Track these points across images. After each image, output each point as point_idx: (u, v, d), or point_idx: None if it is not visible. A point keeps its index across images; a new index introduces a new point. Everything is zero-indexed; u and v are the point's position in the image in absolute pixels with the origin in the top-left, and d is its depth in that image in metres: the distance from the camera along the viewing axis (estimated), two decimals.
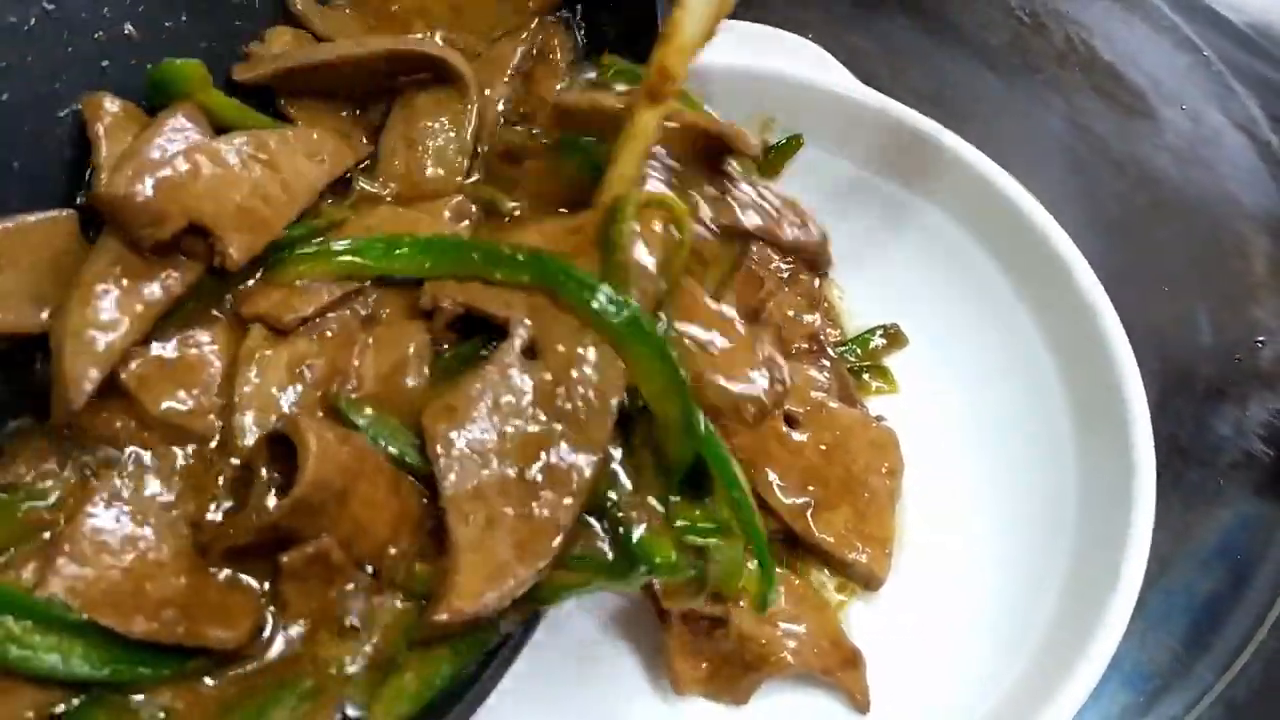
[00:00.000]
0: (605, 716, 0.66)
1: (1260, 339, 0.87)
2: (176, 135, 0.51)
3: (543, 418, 0.47)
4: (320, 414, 0.49)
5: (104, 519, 0.45)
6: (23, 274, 0.48)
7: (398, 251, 0.52)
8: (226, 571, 0.46)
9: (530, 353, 0.49)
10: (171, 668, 0.44)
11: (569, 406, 0.48)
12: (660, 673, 0.66)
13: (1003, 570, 0.70)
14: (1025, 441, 0.74)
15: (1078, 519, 0.69)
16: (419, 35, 0.64)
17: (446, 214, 0.56)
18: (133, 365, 0.47)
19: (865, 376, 0.79)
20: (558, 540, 0.46)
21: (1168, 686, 0.74)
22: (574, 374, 0.48)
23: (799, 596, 0.68)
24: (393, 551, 0.47)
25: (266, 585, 0.47)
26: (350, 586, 0.47)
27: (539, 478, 0.47)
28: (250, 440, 0.48)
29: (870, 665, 0.67)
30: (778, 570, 0.68)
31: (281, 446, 0.45)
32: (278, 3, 0.62)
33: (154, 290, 0.47)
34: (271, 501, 0.45)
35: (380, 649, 0.46)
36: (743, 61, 0.77)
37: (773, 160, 0.80)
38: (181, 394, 0.48)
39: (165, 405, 0.48)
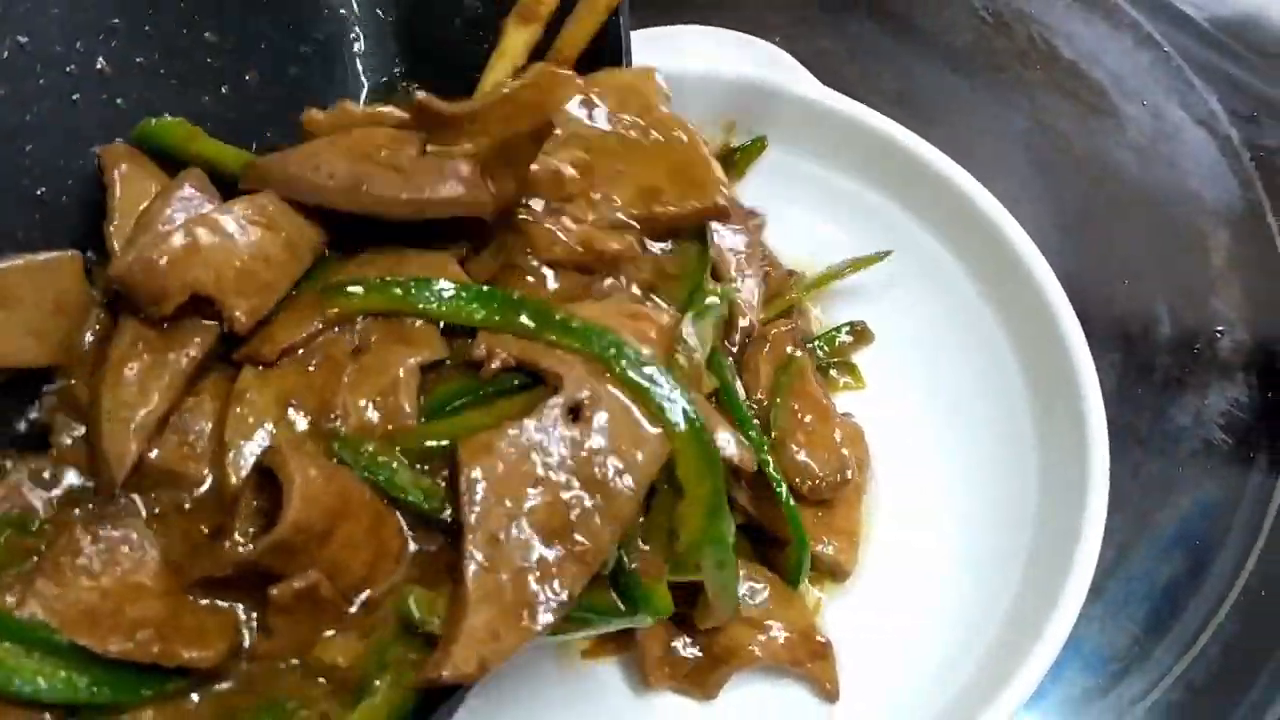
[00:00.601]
0: (578, 710, 0.67)
1: (1219, 329, 0.88)
2: (181, 207, 0.52)
3: (575, 482, 0.47)
4: (309, 446, 0.49)
5: (85, 544, 0.46)
6: (27, 311, 0.50)
7: (446, 295, 0.52)
8: (200, 595, 0.47)
9: (573, 414, 0.49)
10: (153, 688, 0.45)
11: (602, 476, 0.48)
12: (633, 667, 0.68)
13: (966, 561, 0.72)
14: (988, 436, 0.75)
15: (1037, 509, 0.71)
16: None
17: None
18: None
19: (833, 373, 0.80)
20: (566, 606, 0.46)
21: (1128, 669, 0.75)
22: (614, 445, 0.48)
23: (768, 590, 0.70)
24: (372, 592, 0.48)
25: (246, 610, 0.47)
26: (336, 618, 0.47)
27: (560, 541, 0.47)
28: (240, 478, 0.48)
29: (837, 656, 0.69)
30: (751, 564, 0.70)
31: (269, 481, 0.46)
32: (250, 45, 0.63)
33: (176, 359, 0.50)
34: (250, 538, 0.46)
35: (359, 675, 0.47)
36: (706, 66, 0.79)
37: (737, 163, 0.82)
38: (174, 439, 0.50)
39: (156, 453, 0.49)
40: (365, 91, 0.69)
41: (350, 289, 0.52)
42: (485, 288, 0.53)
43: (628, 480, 0.48)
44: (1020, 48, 1.02)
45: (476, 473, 0.46)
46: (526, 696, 0.67)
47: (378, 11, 0.69)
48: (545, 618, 0.46)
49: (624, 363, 0.50)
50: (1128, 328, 0.88)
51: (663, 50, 0.80)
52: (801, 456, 0.70)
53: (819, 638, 0.69)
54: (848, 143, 0.80)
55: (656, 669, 0.67)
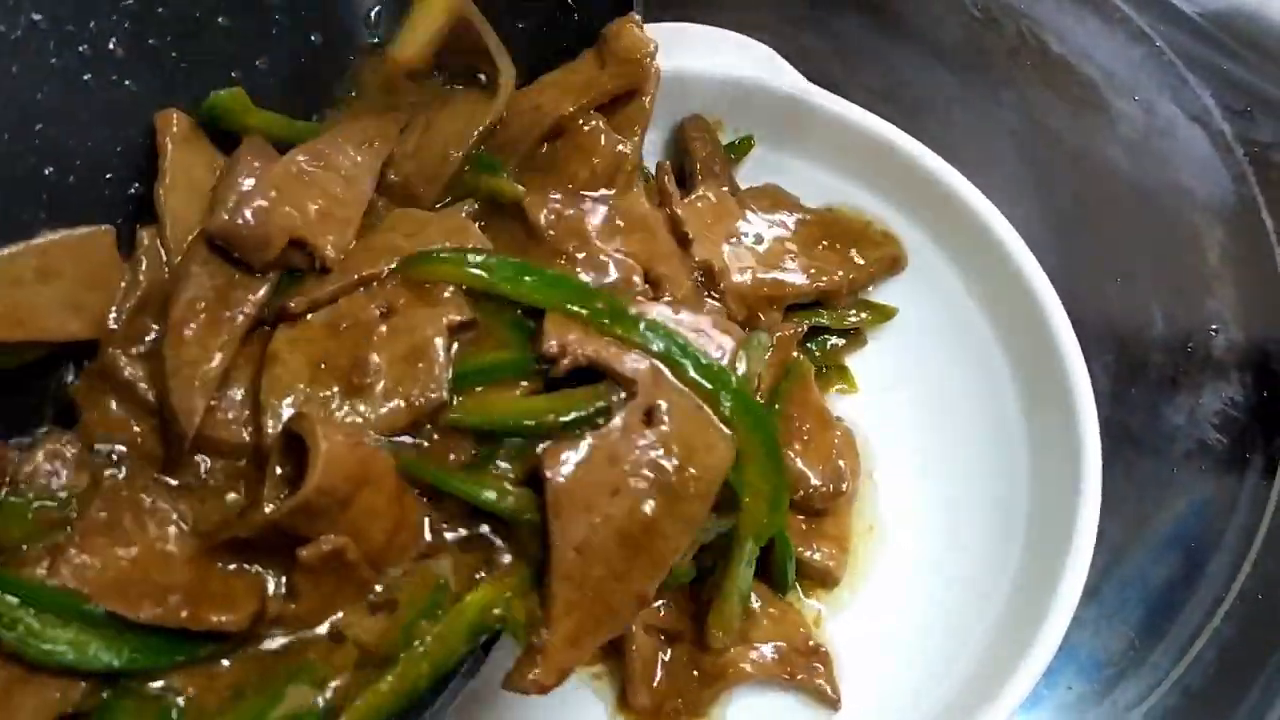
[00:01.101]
0: None
1: (1214, 328, 0.87)
2: (254, 165, 0.56)
3: (650, 487, 0.49)
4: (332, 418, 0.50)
5: (113, 514, 0.49)
6: (66, 284, 0.52)
7: (526, 279, 0.54)
8: (228, 560, 0.49)
9: (647, 418, 0.51)
10: (185, 654, 0.47)
11: (678, 479, 0.50)
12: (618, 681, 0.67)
13: (958, 565, 0.71)
14: (979, 438, 0.74)
15: (1029, 511, 0.70)
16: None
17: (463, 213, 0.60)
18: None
19: (825, 375, 0.79)
20: (639, 609, 0.49)
21: (1123, 674, 0.74)
22: (687, 448, 0.50)
23: (760, 602, 0.69)
24: (397, 567, 0.49)
25: (273, 575, 0.49)
26: (360, 587, 0.49)
27: (638, 545, 0.49)
28: (271, 442, 0.50)
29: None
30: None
31: (295, 448, 0.48)
32: (263, 30, 0.63)
33: (232, 317, 0.53)
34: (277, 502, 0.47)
35: (386, 649, 0.48)
36: (691, 64, 0.78)
37: (733, 159, 0.80)
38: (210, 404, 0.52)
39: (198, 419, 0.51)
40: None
41: (441, 258, 0.54)
42: (562, 275, 0.56)
43: (701, 483, 0.50)
44: (1010, 43, 1.01)
45: (561, 485, 0.48)
46: (506, 708, 0.65)
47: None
48: (622, 621, 0.49)
49: (693, 365, 0.52)
50: (1120, 327, 0.87)
51: None
52: (799, 464, 0.69)
53: (817, 646, 0.68)
54: (834, 140, 0.79)
55: (642, 686, 0.65)
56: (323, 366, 0.52)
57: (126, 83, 0.56)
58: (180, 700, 0.47)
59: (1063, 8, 1.03)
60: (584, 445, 0.49)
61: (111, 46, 0.55)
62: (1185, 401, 0.84)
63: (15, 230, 0.51)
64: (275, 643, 0.49)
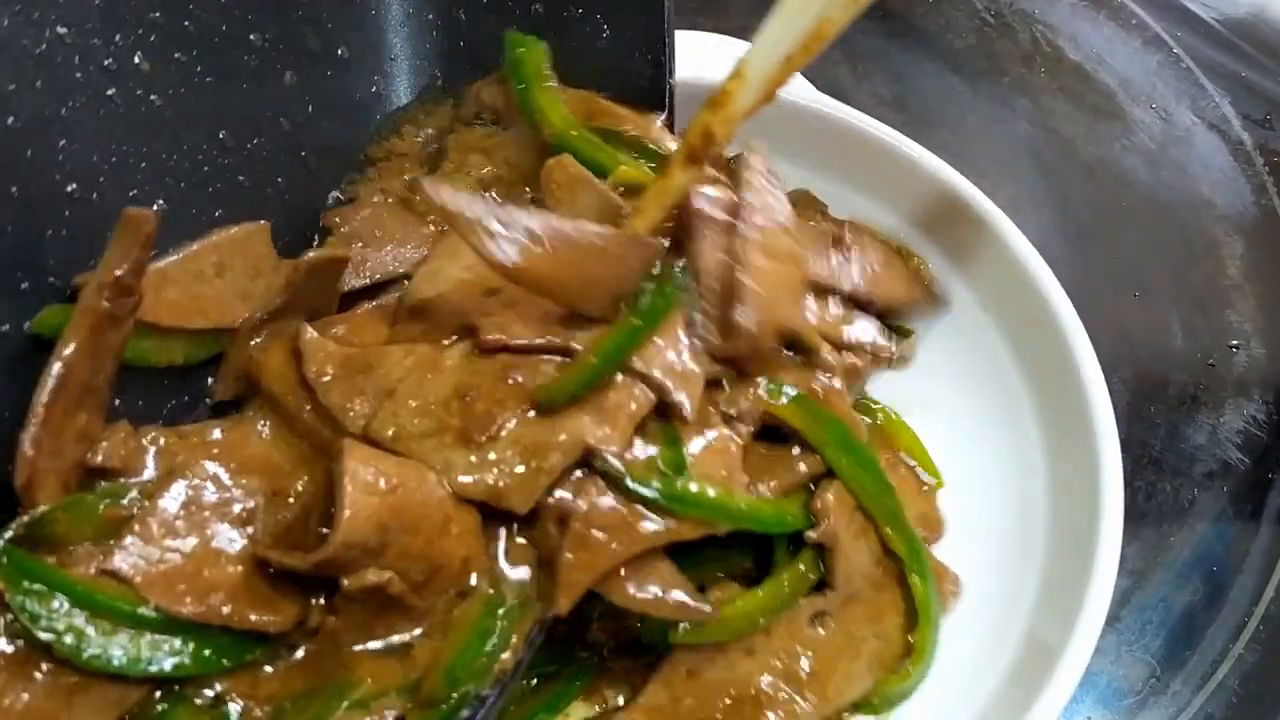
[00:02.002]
0: None
1: (1234, 343, 0.85)
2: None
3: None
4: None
5: (176, 508, 0.50)
6: (236, 276, 0.56)
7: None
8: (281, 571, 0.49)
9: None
10: (232, 658, 0.48)
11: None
12: None
13: (975, 593, 0.68)
14: (995, 459, 0.72)
15: (1048, 536, 0.68)
16: None
17: None
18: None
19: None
20: None
21: (1145, 703, 0.72)
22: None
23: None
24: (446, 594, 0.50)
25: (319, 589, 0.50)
26: (404, 613, 0.49)
27: None
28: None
29: None
30: None
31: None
32: (289, 45, 0.62)
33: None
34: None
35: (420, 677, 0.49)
36: (694, 72, 0.75)
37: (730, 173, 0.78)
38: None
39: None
40: (405, 94, 0.70)
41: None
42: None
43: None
44: (1023, 49, 0.99)
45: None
46: None
47: (421, 14, 0.69)
48: None
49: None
50: (1139, 342, 0.85)
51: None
52: None
53: None
54: (841, 150, 0.76)
55: None
56: (462, 400, 0.52)
57: (152, 97, 0.55)
58: (233, 708, 0.48)
59: (1077, 12, 1.01)
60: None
61: (137, 61, 0.54)
62: (1206, 420, 0.82)
63: (33, 248, 0.50)
64: (321, 655, 0.50)
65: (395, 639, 0.50)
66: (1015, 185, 0.90)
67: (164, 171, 0.56)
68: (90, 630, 0.45)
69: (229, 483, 0.52)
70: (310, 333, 0.55)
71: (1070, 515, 0.67)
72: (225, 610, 0.47)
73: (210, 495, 0.51)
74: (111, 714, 0.47)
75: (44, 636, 0.45)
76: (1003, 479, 0.71)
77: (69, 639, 0.45)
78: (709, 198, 0.62)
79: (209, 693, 0.48)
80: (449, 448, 0.51)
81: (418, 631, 0.50)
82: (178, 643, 0.47)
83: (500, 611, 0.51)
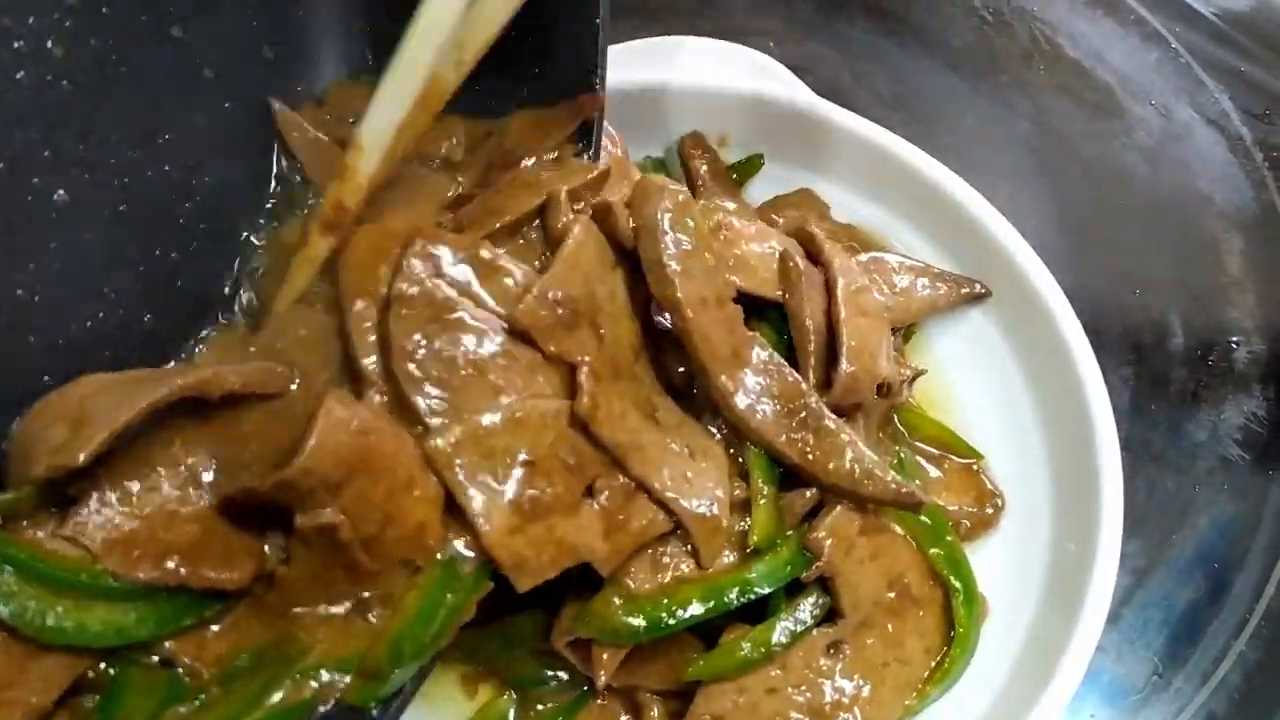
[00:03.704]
0: None
1: (1234, 340, 0.85)
2: None
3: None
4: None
5: (131, 472, 0.49)
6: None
7: None
8: (236, 524, 0.50)
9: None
10: (190, 617, 0.48)
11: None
12: None
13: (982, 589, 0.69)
14: (994, 458, 0.72)
15: (1050, 535, 0.68)
16: None
17: None
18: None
19: None
20: None
21: (1147, 701, 0.73)
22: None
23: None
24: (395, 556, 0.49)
25: (276, 545, 0.50)
26: (354, 569, 0.49)
27: None
28: None
29: None
30: None
31: None
32: (213, 31, 0.60)
33: None
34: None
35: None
36: (695, 79, 0.76)
37: (735, 179, 0.78)
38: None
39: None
40: (330, 83, 0.68)
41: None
42: None
43: None
44: (1022, 47, 0.99)
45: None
46: None
47: (349, 16, 0.67)
48: None
49: None
50: (1139, 339, 0.85)
51: (650, 63, 0.77)
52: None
53: None
54: (841, 153, 0.77)
55: None
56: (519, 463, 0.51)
57: (63, 83, 0.53)
58: (181, 670, 0.48)
59: (1076, 10, 1.01)
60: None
61: (49, 45, 0.52)
62: (1207, 416, 0.82)
63: None
64: (270, 614, 0.50)
65: (344, 605, 0.50)
66: (1014, 183, 0.90)
67: (70, 161, 0.53)
68: (41, 602, 0.45)
69: (185, 447, 0.51)
70: None
71: (1071, 514, 0.67)
72: (182, 571, 0.47)
73: (168, 457, 0.50)
74: (67, 677, 0.47)
75: (5, 613, 0.45)
76: (1003, 477, 0.71)
77: (21, 612, 0.45)
78: (804, 263, 0.66)
79: (155, 658, 0.49)
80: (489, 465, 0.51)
81: (367, 596, 0.50)
82: (131, 610, 0.47)
83: (452, 587, 0.50)
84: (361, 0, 0.67)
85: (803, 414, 0.60)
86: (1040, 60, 0.98)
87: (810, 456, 0.59)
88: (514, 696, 0.62)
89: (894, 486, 0.59)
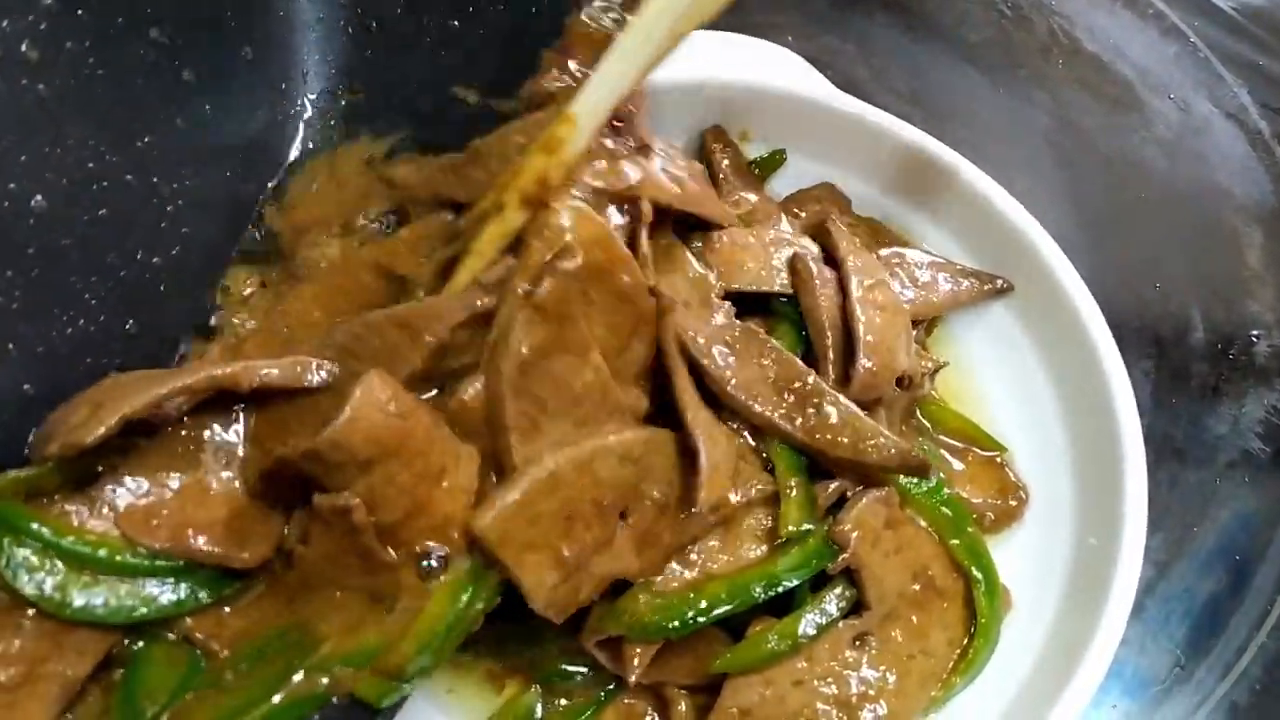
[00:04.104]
0: None
1: (1255, 333, 0.85)
2: None
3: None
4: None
5: (166, 457, 0.51)
6: None
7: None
8: (262, 505, 0.51)
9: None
10: (210, 594, 0.49)
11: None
12: None
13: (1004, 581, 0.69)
14: (1018, 451, 0.72)
15: (1073, 527, 0.68)
16: None
17: None
18: None
19: None
20: None
21: (1169, 692, 0.73)
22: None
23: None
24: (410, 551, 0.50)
25: (296, 527, 0.51)
26: (368, 557, 0.49)
27: None
28: None
29: None
30: None
31: None
32: (191, 39, 0.60)
33: None
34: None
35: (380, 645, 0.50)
36: (714, 73, 0.76)
37: (758, 174, 0.78)
38: None
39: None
40: (310, 97, 0.68)
41: None
42: None
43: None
44: (1041, 41, 0.99)
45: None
46: None
47: (332, 19, 0.67)
48: None
49: None
50: (1160, 333, 0.85)
51: (671, 58, 0.77)
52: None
53: None
54: (860, 147, 0.77)
55: None
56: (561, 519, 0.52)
57: (39, 86, 0.52)
58: (199, 648, 0.50)
59: (1094, 3, 1.01)
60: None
61: (24, 48, 0.51)
62: (1228, 410, 0.82)
63: None
64: (287, 596, 0.51)
65: (359, 594, 0.50)
66: (1033, 178, 0.90)
67: (46, 166, 0.53)
68: (71, 583, 0.47)
69: (220, 434, 0.52)
70: None
71: (1095, 507, 0.67)
72: (199, 544, 0.48)
73: (203, 442, 0.52)
74: (100, 650, 0.48)
75: (29, 592, 0.46)
76: (1026, 470, 0.71)
77: (53, 594, 0.47)
78: (816, 258, 0.67)
79: (171, 636, 0.50)
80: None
81: (381, 588, 0.50)
82: (154, 587, 0.48)
83: (479, 593, 0.51)
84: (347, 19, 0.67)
85: (803, 394, 0.61)
86: (1058, 54, 0.98)
87: (816, 435, 0.60)
88: (540, 691, 0.62)
89: (896, 451, 0.60)
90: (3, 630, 0.46)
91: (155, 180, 0.59)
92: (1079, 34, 0.99)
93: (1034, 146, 0.93)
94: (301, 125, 0.67)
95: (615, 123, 0.60)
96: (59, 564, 0.47)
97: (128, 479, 0.49)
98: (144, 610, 0.48)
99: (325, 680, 0.49)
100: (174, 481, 0.50)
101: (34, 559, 0.47)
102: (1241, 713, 0.72)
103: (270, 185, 0.66)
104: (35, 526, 0.47)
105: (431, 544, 0.50)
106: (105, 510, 0.49)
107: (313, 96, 0.68)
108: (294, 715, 0.48)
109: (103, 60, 0.55)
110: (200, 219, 0.61)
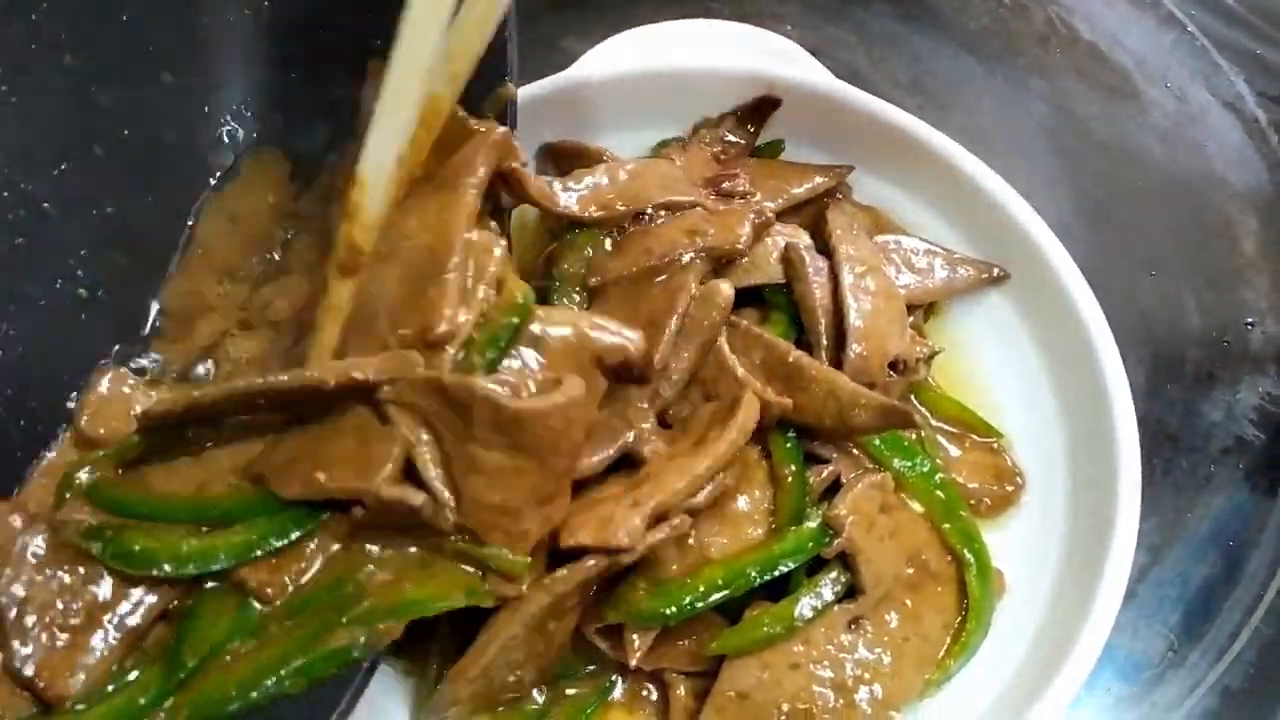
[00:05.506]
0: None
1: (1249, 320, 0.86)
2: None
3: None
4: None
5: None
6: None
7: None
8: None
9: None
10: (280, 538, 0.51)
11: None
12: None
13: (999, 566, 0.70)
14: (1014, 436, 0.73)
15: (1067, 513, 0.69)
16: None
17: None
18: None
19: None
20: None
21: (1163, 676, 0.73)
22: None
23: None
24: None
25: None
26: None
27: None
28: None
29: None
30: None
31: None
32: (97, 67, 0.59)
33: None
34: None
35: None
36: (714, 61, 0.76)
37: None
38: None
39: None
40: (230, 121, 0.66)
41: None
42: None
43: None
44: (1039, 30, 0.99)
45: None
46: None
47: (256, 47, 0.65)
48: None
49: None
50: (1154, 320, 0.86)
51: (669, 47, 0.78)
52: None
53: None
54: (862, 136, 0.77)
55: None
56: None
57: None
58: (252, 595, 0.51)
59: None
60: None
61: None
62: (1222, 397, 0.83)
63: None
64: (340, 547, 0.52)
65: (407, 549, 0.52)
66: (1031, 166, 0.90)
67: (26, 164, 0.53)
68: (147, 540, 0.50)
69: None
70: None
71: (1088, 492, 0.68)
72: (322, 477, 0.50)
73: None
74: (161, 602, 0.51)
75: (96, 551, 0.50)
76: (1021, 456, 0.72)
77: (114, 545, 0.51)
78: (808, 248, 0.68)
79: (219, 584, 0.51)
80: None
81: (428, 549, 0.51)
82: (221, 540, 0.50)
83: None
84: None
85: (786, 369, 0.62)
86: (1056, 43, 0.98)
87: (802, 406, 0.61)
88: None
89: (878, 407, 0.61)
90: (71, 577, 0.50)
91: (74, 208, 0.57)
92: (1077, 23, 1.00)
93: (1031, 135, 0.93)
94: (224, 149, 0.66)
95: None
96: (140, 533, 0.51)
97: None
98: (210, 559, 0.50)
99: (363, 638, 0.50)
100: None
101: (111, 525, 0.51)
102: (1235, 696, 0.73)
103: (193, 208, 0.65)
104: (120, 495, 0.52)
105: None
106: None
107: (234, 121, 0.66)
108: (326, 670, 0.49)
109: (15, 87, 0.54)
110: (124, 247, 0.60)
